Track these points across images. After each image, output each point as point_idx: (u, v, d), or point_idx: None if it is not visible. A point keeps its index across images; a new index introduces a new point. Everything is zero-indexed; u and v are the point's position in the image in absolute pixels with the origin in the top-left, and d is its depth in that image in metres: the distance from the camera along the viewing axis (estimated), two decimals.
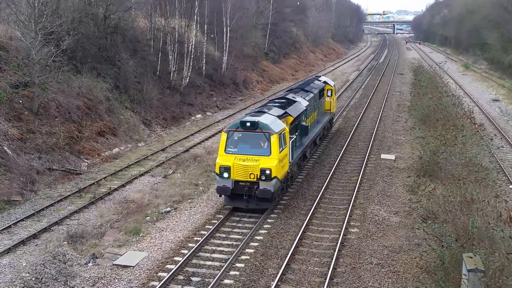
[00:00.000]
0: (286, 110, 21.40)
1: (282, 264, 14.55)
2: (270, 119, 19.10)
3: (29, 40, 24.54)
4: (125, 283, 13.79)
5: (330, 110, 31.39)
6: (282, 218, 18.35)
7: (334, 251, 15.44)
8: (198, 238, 16.46)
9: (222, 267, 14.45)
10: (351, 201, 19.73)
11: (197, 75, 41.40)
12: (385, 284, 13.83)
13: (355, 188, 21.40)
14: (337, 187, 21.90)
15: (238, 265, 14.79)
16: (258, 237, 16.72)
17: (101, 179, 22.32)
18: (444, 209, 15.99)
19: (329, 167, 24.62)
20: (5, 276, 13.82)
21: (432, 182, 20.93)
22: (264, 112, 20.02)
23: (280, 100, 23.72)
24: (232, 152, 18.43)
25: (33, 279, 13.47)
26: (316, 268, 14.65)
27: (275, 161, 17.92)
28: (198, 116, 37.62)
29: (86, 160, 24.66)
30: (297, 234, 16.66)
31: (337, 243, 15.96)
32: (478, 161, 21.65)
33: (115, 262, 14.84)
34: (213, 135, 31.53)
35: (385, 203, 19.99)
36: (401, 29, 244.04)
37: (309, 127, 24.57)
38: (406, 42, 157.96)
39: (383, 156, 26.92)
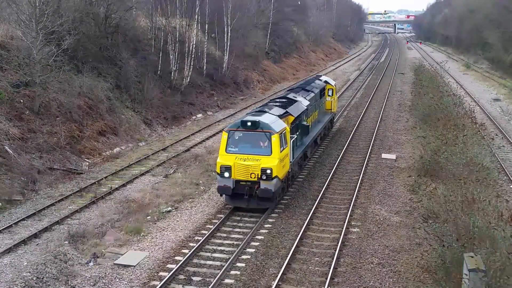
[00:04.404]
0: (287, 109, 21.40)
1: (283, 264, 14.55)
2: (271, 119, 19.11)
3: (30, 40, 24.54)
4: (126, 282, 13.80)
5: (331, 109, 31.38)
6: (283, 218, 18.35)
7: (335, 250, 15.43)
8: (199, 238, 16.47)
9: (223, 266, 14.46)
10: (352, 201, 19.73)
11: (198, 74, 41.39)
12: (386, 284, 13.83)
13: (356, 187, 21.40)
14: (338, 187, 21.89)
15: (239, 264, 14.80)
16: (259, 237, 16.72)
17: (102, 179, 22.33)
18: (445, 208, 16.00)
19: (330, 167, 24.61)
20: (6, 276, 13.83)
21: (433, 182, 20.94)
22: (265, 112, 20.03)
23: (281, 100, 23.72)
24: (233, 152, 18.43)
25: (34, 278, 13.49)
26: (317, 268, 14.65)
27: (276, 160, 17.92)
28: (199, 115, 37.62)
29: (87, 160, 24.67)
30: (298, 234, 16.66)
31: (338, 243, 15.96)
32: (479, 160, 21.64)
33: (116, 262, 14.85)
34: (214, 135, 31.54)
35: (386, 203, 19.98)
36: (402, 29, 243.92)
37: (310, 126, 24.57)
38: (407, 41, 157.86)
39: (384, 155, 26.91)
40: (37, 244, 15.98)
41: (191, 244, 16.04)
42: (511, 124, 35.70)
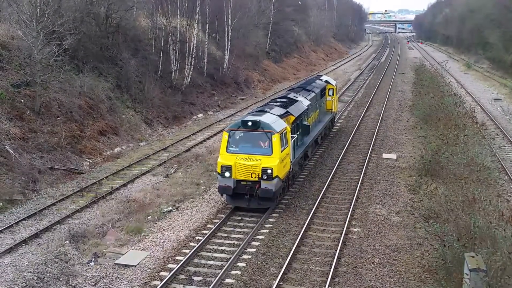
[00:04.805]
0: (287, 109, 21.40)
1: (284, 264, 14.55)
2: (272, 119, 19.11)
3: (30, 40, 24.56)
4: (126, 282, 13.80)
5: (331, 109, 31.38)
6: (284, 218, 18.35)
7: (336, 250, 15.43)
8: (200, 238, 16.47)
9: (224, 266, 14.46)
10: (352, 201, 19.73)
11: (199, 74, 41.41)
12: (387, 284, 13.83)
13: (356, 187, 21.39)
14: (338, 187, 21.89)
15: (239, 264, 14.80)
16: (260, 237, 16.72)
17: (103, 179, 22.34)
18: (446, 208, 16.00)
19: (330, 167, 24.61)
20: (7, 275, 13.84)
21: (434, 182, 20.93)
22: (266, 112, 20.03)
23: (281, 100, 23.72)
24: (234, 152, 18.44)
25: (35, 278, 13.49)
26: (317, 268, 14.65)
27: (276, 160, 17.92)
28: (200, 115, 37.62)
29: (87, 160, 24.69)
30: (299, 234, 16.66)
31: (338, 243, 15.96)
32: (480, 160, 21.63)
33: (116, 262, 14.86)
34: (214, 135, 31.54)
35: (386, 203, 19.98)
36: (403, 28, 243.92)
37: (310, 126, 24.59)
38: (408, 41, 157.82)
39: (384, 155, 26.90)
40: (38, 244, 15.99)
41: (192, 244, 16.05)
42: None
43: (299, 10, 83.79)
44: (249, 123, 18.39)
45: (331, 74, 61.29)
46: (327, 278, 13.79)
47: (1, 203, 18.81)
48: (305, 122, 23.54)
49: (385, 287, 13.68)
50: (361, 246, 16.04)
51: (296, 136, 21.47)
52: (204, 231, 17.06)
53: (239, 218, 18.34)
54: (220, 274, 13.89)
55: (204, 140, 30.15)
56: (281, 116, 19.99)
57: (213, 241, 16.36)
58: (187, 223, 17.89)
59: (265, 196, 17.98)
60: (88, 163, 24.35)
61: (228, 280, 13.84)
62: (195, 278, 13.98)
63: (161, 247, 15.91)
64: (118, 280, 13.91)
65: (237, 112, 38.92)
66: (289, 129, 19.79)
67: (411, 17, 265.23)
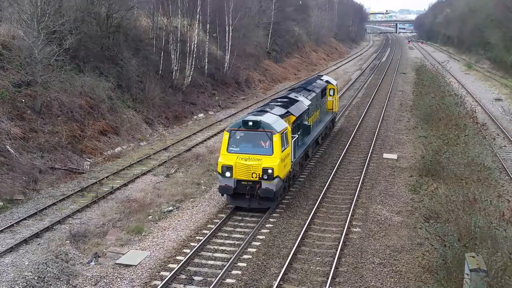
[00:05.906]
0: (288, 109, 21.40)
1: (284, 264, 14.55)
2: (272, 119, 19.11)
3: (31, 39, 24.58)
4: (127, 282, 13.81)
5: (332, 109, 31.37)
6: (284, 218, 18.35)
7: (336, 250, 15.43)
8: (200, 237, 16.48)
9: (224, 266, 14.47)
10: (353, 201, 19.72)
11: (199, 74, 41.41)
12: (387, 284, 13.82)
13: (357, 187, 21.39)
14: (339, 187, 21.88)
15: (240, 264, 14.80)
16: (260, 237, 16.72)
17: (104, 178, 22.34)
18: (447, 208, 15.98)
19: (331, 167, 24.60)
20: (8, 275, 13.85)
21: (435, 182, 20.90)
22: (266, 112, 20.03)
23: (282, 99, 23.72)
24: (234, 152, 18.44)
25: (36, 278, 13.50)
26: (318, 268, 14.65)
27: (277, 160, 17.92)
28: (200, 115, 37.63)
29: (88, 159, 24.69)
30: (299, 234, 16.66)
31: (339, 243, 15.96)
32: (481, 160, 21.61)
33: (117, 261, 14.86)
34: (215, 134, 31.54)
35: (387, 203, 19.97)
36: (404, 28, 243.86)
37: (311, 126, 24.58)
38: (409, 41, 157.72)
39: (385, 155, 26.89)
40: (39, 244, 16.00)
41: (193, 244, 16.05)
42: None
43: (300, 10, 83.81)
44: (250, 123, 18.39)
45: (331, 74, 61.26)
46: (328, 278, 13.79)
47: (2, 203, 18.83)
48: (306, 122, 23.54)
49: (386, 287, 13.68)
50: (361, 246, 16.04)
51: (297, 136, 21.46)
52: (205, 231, 17.06)
53: (240, 218, 18.34)
54: (220, 274, 13.90)
55: (205, 140, 30.16)
56: (281, 116, 19.99)
57: (214, 241, 16.36)
58: (187, 223, 17.89)
59: (265, 196, 17.98)
60: (89, 162, 24.35)
61: (228, 280, 13.84)
62: (196, 278, 13.99)
63: (162, 247, 15.91)
64: (118, 280, 13.92)
65: (237, 112, 38.91)
66: (289, 129, 19.80)
67: (412, 17, 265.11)
